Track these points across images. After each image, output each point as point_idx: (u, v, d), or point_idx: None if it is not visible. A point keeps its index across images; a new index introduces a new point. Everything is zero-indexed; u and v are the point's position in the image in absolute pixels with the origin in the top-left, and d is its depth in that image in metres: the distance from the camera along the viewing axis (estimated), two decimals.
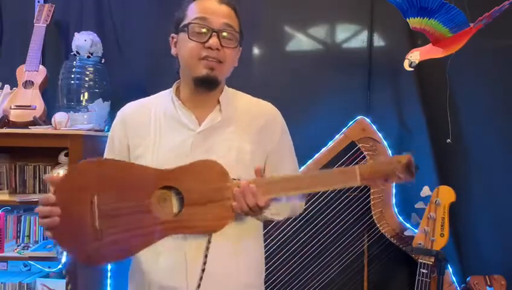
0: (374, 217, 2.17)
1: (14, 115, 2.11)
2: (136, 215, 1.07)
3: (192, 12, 1.18)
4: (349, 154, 2.21)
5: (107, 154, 1.30)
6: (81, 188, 1.06)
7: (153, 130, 1.22)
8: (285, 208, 1.27)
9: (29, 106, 2.13)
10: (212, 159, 1.10)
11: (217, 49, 1.15)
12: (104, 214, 1.05)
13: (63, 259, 2.01)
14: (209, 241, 1.11)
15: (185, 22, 1.18)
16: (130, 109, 1.29)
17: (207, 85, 1.19)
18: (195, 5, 1.19)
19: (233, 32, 1.18)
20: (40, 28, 2.26)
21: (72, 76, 2.23)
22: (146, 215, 1.07)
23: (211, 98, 1.24)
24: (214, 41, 1.14)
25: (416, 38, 2.23)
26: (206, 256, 1.12)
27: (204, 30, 1.15)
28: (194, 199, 1.08)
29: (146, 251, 1.20)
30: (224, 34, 1.16)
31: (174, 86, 1.28)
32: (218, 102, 1.24)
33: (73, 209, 1.05)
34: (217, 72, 1.17)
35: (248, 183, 1.07)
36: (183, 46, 1.19)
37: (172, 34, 1.25)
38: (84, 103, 2.22)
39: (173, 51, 1.26)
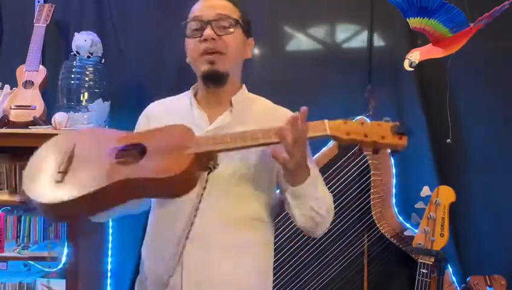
0: (374, 217, 2.17)
1: (14, 115, 2.10)
2: (98, 162, 1.09)
3: (191, 13, 1.23)
4: (349, 154, 2.22)
5: None
6: (58, 147, 1.14)
7: None
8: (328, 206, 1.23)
9: (29, 106, 2.13)
10: (181, 124, 1.11)
11: (213, 39, 1.16)
12: (70, 162, 1.09)
13: (63, 259, 2.01)
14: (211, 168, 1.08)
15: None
16: (155, 107, 1.34)
17: (213, 80, 1.20)
18: (195, 6, 1.23)
19: (229, 19, 1.19)
20: (40, 28, 2.26)
21: (72, 76, 2.22)
22: (106, 161, 1.08)
23: (224, 98, 1.25)
24: (207, 31, 1.16)
25: (416, 38, 2.23)
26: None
27: (199, 26, 1.18)
28: (155, 148, 1.08)
29: (148, 248, 1.21)
30: (218, 23, 1.18)
31: (194, 86, 1.31)
32: (231, 103, 1.25)
33: (45, 161, 1.12)
34: (219, 64, 1.18)
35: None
36: (187, 48, 1.23)
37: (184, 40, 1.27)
38: (84, 103, 2.22)
39: (188, 57, 1.28)
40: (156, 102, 1.35)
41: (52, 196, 1.04)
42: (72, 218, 1.21)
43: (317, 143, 2.25)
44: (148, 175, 1.03)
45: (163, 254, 1.18)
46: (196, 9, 1.21)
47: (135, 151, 1.11)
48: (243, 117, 1.23)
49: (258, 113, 1.27)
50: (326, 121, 1.07)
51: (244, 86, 1.31)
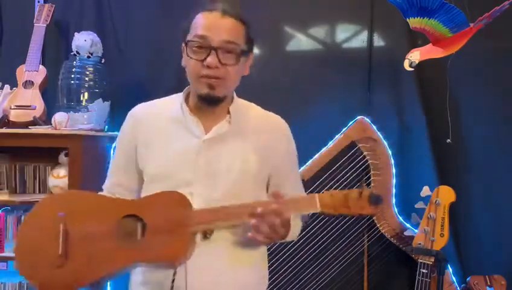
0: (374, 217, 2.17)
1: (14, 115, 2.10)
2: (99, 243, 1.09)
3: (194, 28, 1.16)
4: (349, 154, 2.22)
5: (115, 155, 1.31)
6: (47, 220, 1.10)
7: (160, 134, 1.22)
8: (298, 227, 1.28)
9: (29, 106, 2.13)
10: (175, 191, 1.12)
11: (216, 67, 1.13)
12: (67, 241, 1.07)
13: None
14: (174, 274, 1.10)
15: (188, 37, 1.17)
16: (141, 111, 1.29)
17: (209, 102, 1.19)
18: (198, 19, 1.16)
19: (234, 47, 1.15)
20: (40, 28, 2.26)
21: (72, 76, 2.23)
22: (108, 243, 1.09)
23: (219, 109, 1.23)
24: (212, 59, 1.12)
25: (416, 38, 2.23)
26: (173, 281, 1.11)
27: (202, 48, 1.13)
28: (156, 227, 1.09)
29: None
30: (224, 51, 1.13)
31: (185, 91, 1.27)
32: (229, 112, 1.23)
33: (38, 239, 1.09)
34: (218, 90, 1.16)
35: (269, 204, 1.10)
36: (187, 62, 1.19)
37: (183, 44, 1.21)
38: (84, 103, 2.22)
39: (183, 60, 1.23)
40: (143, 105, 1.30)
41: (57, 283, 1.04)
42: None
43: (317, 143, 2.25)
44: (155, 259, 1.09)
45: None
46: (202, 24, 1.15)
47: (135, 222, 1.12)
48: (240, 126, 1.23)
49: (253, 122, 1.27)
50: (317, 196, 1.13)
51: (234, 94, 1.29)
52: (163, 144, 1.21)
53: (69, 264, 1.05)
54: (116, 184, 1.29)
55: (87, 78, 2.24)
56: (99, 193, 1.23)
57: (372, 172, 2.18)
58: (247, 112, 1.28)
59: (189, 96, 1.25)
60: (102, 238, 1.09)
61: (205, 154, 1.18)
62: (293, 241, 1.36)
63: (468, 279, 2.15)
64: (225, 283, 1.18)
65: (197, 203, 1.13)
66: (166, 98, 1.31)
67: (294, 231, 1.27)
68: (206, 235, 1.13)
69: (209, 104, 1.19)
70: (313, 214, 2.21)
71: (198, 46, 1.14)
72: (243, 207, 1.11)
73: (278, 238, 1.12)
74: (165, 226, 1.09)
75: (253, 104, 1.32)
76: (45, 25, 2.27)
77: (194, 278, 1.14)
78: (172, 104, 1.26)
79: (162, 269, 1.14)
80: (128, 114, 1.30)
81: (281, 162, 1.27)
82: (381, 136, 2.19)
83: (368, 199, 1.12)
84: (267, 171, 1.25)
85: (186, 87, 1.27)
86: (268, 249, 2.17)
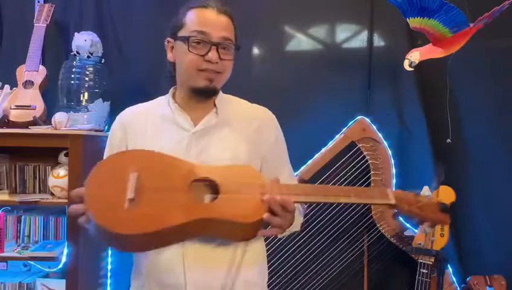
0: (374, 217, 2.17)
1: (14, 115, 2.10)
2: (172, 193, 1.07)
3: (191, 23, 1.20)
4: (349, 154, 2.22)
5: (106, 156, 1.31)
6: (121, 167, 1.09)
7: (150, 133, 1.24)
8: (297, 220, 1.27)
9: (29, 106, 2.13)
10: (249, 165, 1.15)
11: (216, 62, 1.18)
12: (139, 188, 1.05)
13: (63, 259, 2.01)
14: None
15: (184, 32, 1.20)
16: (129, 113, 1.32)
17: (205, 95, 1.23)
18: (194, 15, 1.20)
19: (231, 44, 1.21)
20: (40, 28, 2.26)
21: (72, 76, 2.22)
22: (181, 194, 1.07)
23: (207, 102, 1.26)
24: (213, 55, 1.17)
25: (416, 38, 2.23)
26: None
27: (203, 43, 1.18)
28: (229, 189, 1.08)
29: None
30: (223, 47, 1.19)
31: (171, 91, 1.31)
32: (215, 105, 1.26)
33: (109, 186, 1.06)
34: (216, 82, 1.21)
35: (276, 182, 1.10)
36: (182, 57, 1.21)
37: (169, 39, 1.27)
38: (84, 103, 2.22)
39: (169, 56, 1.28)
40: (130, 108, 1.33)
41: (126, 226, 1.01)
42: (138, 249, 1.13)
43: (317, 143, 2.25)
44: (227, 218, 1.05)
45: (163, 255, 1.18)
46: (200, 21, 1.19)
47: (206, 187, 1.11)
48: (227, 117, 1.26)
49: (239, 112, 1.30)
50: (389, 189, 1.14)
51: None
52: (153, 142, 1.22)
53: (140, 208, 1.03)
54: None
55: (87, 78, 2.23)
56: (168, 155, 1.18)
57: (372, 172, 2.18)
58: (232, 104, 1.32)
59: (175, 95, 1.29)
60: (175, 190, 1.07)
61: (195, 146, 1.20)
62: (295, 232, 1.34)
63: (468, 279, 2.15)
64: (225, 280, 1.18)
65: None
66: (152, 100, 1.34)
67: (297, 223, 1.27)
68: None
69: (204, 97, 1.23)
70: (313, 214, 2.21)
71: (198, 41, 1.18)
72: (320, 188, 1.12)
73: (287, 227, 1.13)
74: (239, 190, 1.08)
75: (236, 98, 1.36)
76: (45, 25, 2.27)
77: (193, 276, 1.15)
78: (159, 105, 1.30)
79: (231, 240, 1.15)
80: (117, 118, 1.32)
81: (271, 149, 1.29)
82: (381, 136, 2.19)
83: (438, 205, 1.13)
84: (257, 159, 1.26)
85: (172, 88, 1.31)
86: (268, 249, 2.18)
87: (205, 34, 1.18)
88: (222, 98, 1.29)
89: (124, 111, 1.33)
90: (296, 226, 1.26)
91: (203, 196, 1.11)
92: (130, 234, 1.01)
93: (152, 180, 1.08)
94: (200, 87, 1.20)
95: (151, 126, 1.25)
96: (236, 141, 1.23)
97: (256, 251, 1.26)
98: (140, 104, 1.34)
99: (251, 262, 1.24)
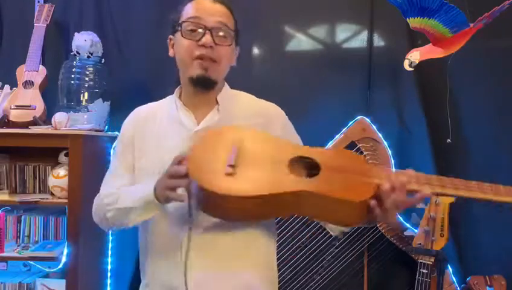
0: None
1: (14, 115, 2.11)
2: (273, 165, 1.05)
3: (186, 12, 1.20)
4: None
5: (118, 153, 1.31)
6: (222, 140, 1.10)
7: (156, 132, 1.24)
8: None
9: (29, 106, 2.13)
10: (351, 151, 1.12)
11: (211, 47, 1.15)
12: (240, 157, 1.05)
13: (63, 259, 2.01)
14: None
15: (180, 21, 1.20)
16: (141, 111, 1.33)
17: (202, 85, 1.20)
18: (189, 5, 1.21)
19: (228, 30, 1.19)
20: (40, 28, 2.26)
21: (72, 76, 2.23)
22: (283, 166, 1.05)
23: (210, 98, 1.25)
24: (207, 39, 1.15)
25: (416, 38, 2.23)
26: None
27: (197, 28, 1.17)
28: (332, 167, 1.05)
29: (150, 252, 1.19)
30: (218, 31, 1.17)
31: (177, 90, 1.30)
32: (217, 102, 1.25)
33: (210, 155, 1.07)
34: (211, 72, 1.18)
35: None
36: (178, 45, 1.21)
37: (170, 36, 1.27)
38: (84, 103, 2.22)
39: (171, 52, 1.27)
40: (143, 106, 1.34)
41: (227, 187, 1.00)
42: (231, 217, 1.09)
43: (317, 143, 2.25)
44: (330, 193, 1.00)
45: (167, 259, 1.17)
46: (194, 8, 1.19)
47: (306, 166, 1.09)
48: (230, 114, 1.24)
49: (243, 108, 1.28)
50: None
51: (226, 83, 1.31)
52: (157, 142, 1.22)
53: (239, 176, 1.02)
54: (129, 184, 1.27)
55: (87, 78, 2.24)
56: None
57: None
58: (237, 99, 1.29)
59: (181, 94, 1.28)
60: (276, 163, 1.05)
61: None
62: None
63: (468, 279, 2.15)
64: (227, 282, 1.17)
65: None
66: (162, 99, 1.34)
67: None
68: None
69: (202, 88, 1.21)
70: None
71: (192, 28, 1.17)
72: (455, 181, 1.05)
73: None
74: (342, 171, 1.04)
75: (243, 93, 1.33)
76: (45, 25, 2.27)
77: (194, 276, 1.13)
78: (167, 104, 1.30)
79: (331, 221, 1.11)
80: (130, 114, 1.33)
81: None
82: (381, 136, 2.19)
83: None
84: None
85: (178, 87, 1.30)
86: None
87: (199, 19, 1.17)
88: (227, 94, 1.28)
89: (136, 109, 1.34)
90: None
91: (302, 170, 1.09)
92: (235, 195, 1.00)
93: (254, 152, 1.08)
94: (195, 75, 1.18)
95: (158, 125, 1.25)
96: None
97: (261, 255, 1.22)
98: (151, 103, 1.34)
99: (256, 267, 1.20)
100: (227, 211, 1.04)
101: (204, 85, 1.20)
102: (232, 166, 1.03)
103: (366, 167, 1.06)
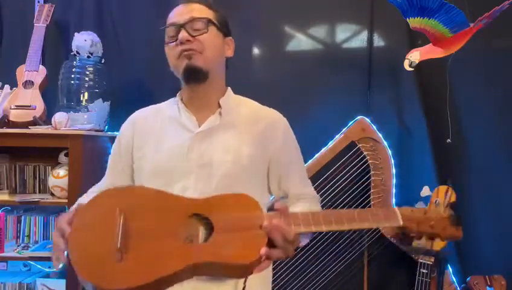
0: None
1: (14, 115, 2.11)
2: (162, 240, 1.00)
3: (166, 23, 1.24)
4: (349, 154, 2.22)
5: (112, 153, 1.33)
6: (106, 211, 1.02)
7: (156, 134, 1.25)
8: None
9: (29, 106, 2.13)
10: (244, 193, 1.06)
11: (188, 40, 1.18)
12: (128, 235, 0.99)
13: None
14: (245, 281, 1.06)
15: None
16: (141, 113, 1.33)
17: (193, 78, 1.20)
18: (169, 15, 1.25)
19: (201, 20, 1.20)
20: (40, 28, 2.27)
21: (72, 76, 2.23)
22: (172, 240, 1.00)
23: (210, 100, 1.25)
24: (182, 34, 1.18)
25: (416, 38, 2.23)
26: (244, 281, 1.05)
27: (174, 31, 1.20)
28: (224, 227, 1.01)
29: None
30: (192, 25, 1.19)
31: (179, 93, 1.31)
32: (220, 105, 1.25)
33: (95, 232, 1.01)
34: (195, 60, 1.18)
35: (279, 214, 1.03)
36: (167, 54, 1.24)
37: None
38: (84, 103, 2.22)
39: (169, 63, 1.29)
40: (144, 108, 1.35)
41: (117, 280, 0.94)
42: None
43: (317, 143, 2.25)
44: (223, 260, 0.98)
45: None
46: (171, 17, 1.23)
47: (200, 221, 1.05)
48: (232, 119, 1.24)
49: (246, 114, 1.27)
50: (396, 209, 1.06)
51: (229, 88, 1.31)
52: (158, 143, 1.23)
53: (128, 260, 0.97)
54: (110, 185, 1.29)
55: (87, 78, 2.24)
56: (159, 190, 1.13)
57: (372, 172, 2.18)
58: (240, 104, 1.30)
59: (183, 97, 1.29)
60: (165, 235, 1.00)
61: (197, 148, 1.19)
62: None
63: (468, 279, 2.15)
64: (218, 278, 1.16)
65: (190, 197, 1.12)
66: (164, 102, 1.35)
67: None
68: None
69: (194, 82, 1.21)
70: None
71: (171, 34, 1.21)
72: (311, 214, 1.04)
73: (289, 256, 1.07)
74: (233, 229, 1.01)
75: (247, 99, 1.34)
76: (45, 25, 2.27)
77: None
78: (168, 106, 1.30)
79: (229, 278, 1.09)
80: (129, 116, 1.33)
81: (279, 153, 1.26)
82: (381, 136, 2.19)
83: (449, 219, 1.05)
84: (262, 162, 1.24)
85: (180, 91, 1.30)
86: None
87: (174, 23, 1.20)
88: (230, 98, 1.28)
89: (137, 111, 1.34)
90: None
91: (197, 229, 1.05)
92: (120, 289, 0.94)
93: (141, 225, 1.01)
94: (183, 69, 1.19)
95: (159, 127, 1.26)
96: (239, 144, 1.21)
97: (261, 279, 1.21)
98: (153, 106, 1.35)
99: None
100: None
101: (195, 77, 1.20)
102: (121, 250, 0.97)
103: (257, 217, 1.02)
